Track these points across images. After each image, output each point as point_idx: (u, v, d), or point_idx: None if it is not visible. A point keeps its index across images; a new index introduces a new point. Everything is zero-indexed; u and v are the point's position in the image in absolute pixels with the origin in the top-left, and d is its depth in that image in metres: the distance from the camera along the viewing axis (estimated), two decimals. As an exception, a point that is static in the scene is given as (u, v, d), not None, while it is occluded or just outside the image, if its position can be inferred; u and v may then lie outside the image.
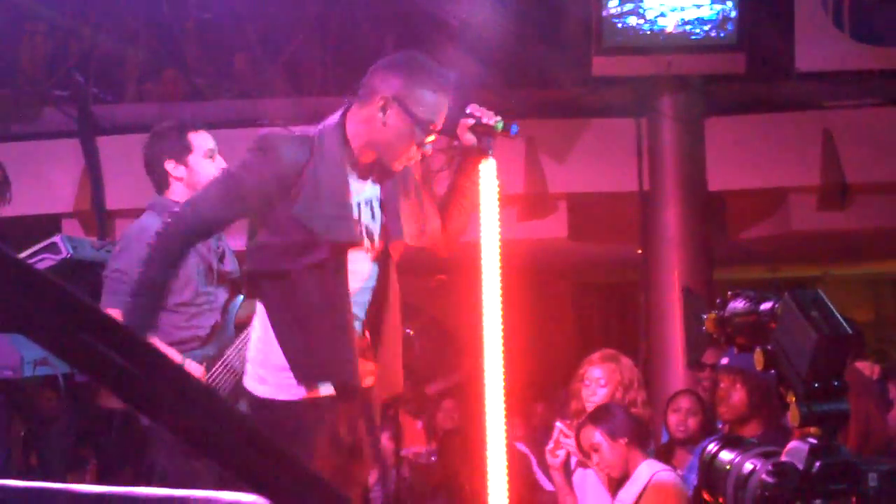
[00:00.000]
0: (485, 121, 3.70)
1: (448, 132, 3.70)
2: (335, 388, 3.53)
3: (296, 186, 3.50)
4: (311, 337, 3.50)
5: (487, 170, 3.78)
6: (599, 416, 5.19)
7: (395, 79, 3.58)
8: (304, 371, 3.51)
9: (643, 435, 5.26)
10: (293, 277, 3.52)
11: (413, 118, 3.54)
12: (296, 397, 3.52)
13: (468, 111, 3.72)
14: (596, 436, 5.08)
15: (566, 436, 5.27)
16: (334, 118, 3.64)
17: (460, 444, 6.75)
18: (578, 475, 5.61)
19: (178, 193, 4.86)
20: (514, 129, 3.74)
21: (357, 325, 3.59)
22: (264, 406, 3.56)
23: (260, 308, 3.62)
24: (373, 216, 3.64)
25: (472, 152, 3.76)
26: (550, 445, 5.34)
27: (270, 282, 3.57)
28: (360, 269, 3.61)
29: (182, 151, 4.83)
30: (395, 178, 3.69)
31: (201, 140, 4.83)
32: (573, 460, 5.62)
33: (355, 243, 3.57)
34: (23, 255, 5.02)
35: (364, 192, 3.65)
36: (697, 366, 7.07)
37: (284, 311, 3.54)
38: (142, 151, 5.03)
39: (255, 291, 3.65)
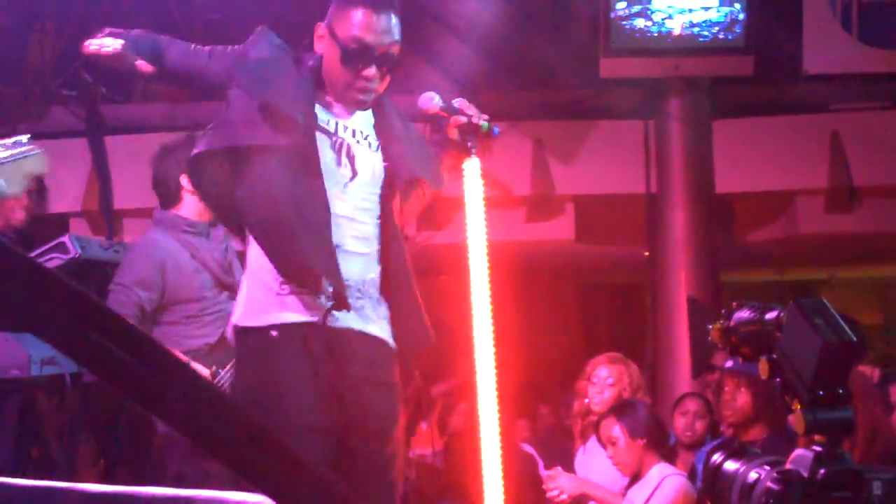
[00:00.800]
0: (473, 119, 3.63)
1: (436, 122, 3.67)
2: (320, 287, 3.37)
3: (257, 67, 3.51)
4: (288, 229, 3.36)
5: (471, 169, 3.70)
6: (624, 411, 5.21)
7: (330, 7, 3.54)
8: (286, 264, 3.36)
9: (662, 438, 5.29)
10: (263, 164, 3.39)
11: (335, 38, 3.46)
12: (271, 321, 3.37)
13: (457, 105, 3.65)
14: (615, 430, 5.11)
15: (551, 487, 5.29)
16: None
17: (467, 446, 6.75)
18: (587, 449, 5.63)
19: (187, 209, 4.87)
20: (496, 131, 3.70)
21: (360, 261, 3.44)
22: (242, 335, 3.43)
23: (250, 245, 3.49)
24: (358, 143, 3.52)
25: (455, 149, 3.68)
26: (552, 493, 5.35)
27: (246, 181, 3.43)
28: (349, 194, 3.47)
29: None
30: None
31: None
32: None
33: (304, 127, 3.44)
34: (32, 254, 5.02)
35: (351, 121, 3.54)
36: (707, 369, 7.07)
37: (260, 207, 3.39)
38: (151, 166, 5.04)
39: (234, 212, 3.50)
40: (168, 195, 4.94)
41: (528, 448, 6.62)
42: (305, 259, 3.35)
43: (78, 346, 1.09)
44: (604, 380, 5.67)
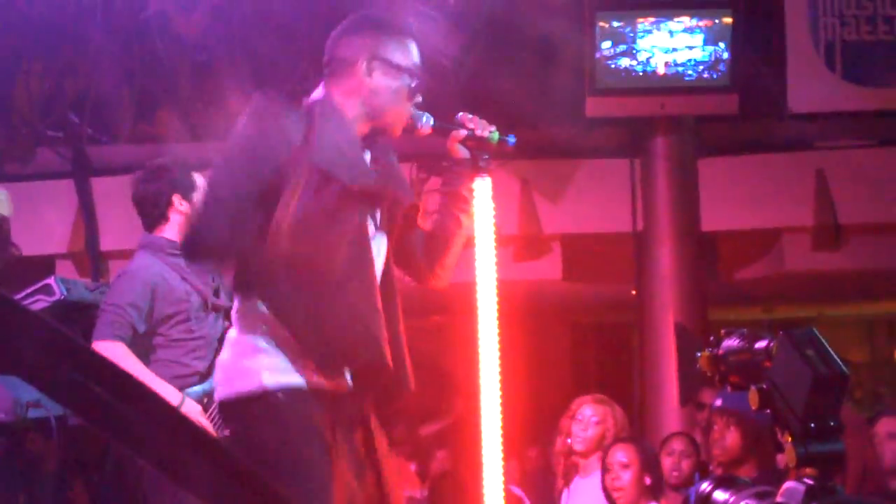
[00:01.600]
0: (478, 133, 3.47)
1: (441, 134, 3.47)
2: (359, 369, 3.20)
3: (304, 141, 3.18)
4: (336, 313, 3.13)
5: (482, 190, 3.49)
6: (643, 446, 5.26)
7: (366, 39, 3.36)
8: (326, 352, 3.14)
9: (662, 484, 5.34)
10: (313, 249, 3.13)
11: (399, 69, 3.35)
12: (277, 385, 3.14)
13: (458, 119, 3.49)
14: (629, 458, 5.13)
15: None
16: (317, 98, 3.36)
17: (452, 488, 6.73)
18: (571, 490, 5.63)
19: (172, 231, 4.86)
20: (511, 139, 3.52)
21: None
22: (244, 404, 3.16)
23: (244, 312, 3.24)
24: None
25: (464, 168, 3.50)
26: None
27: (280, 267, 3.13)
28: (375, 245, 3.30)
29: (189, 188, 4.85)
30: (388, 162, 3.43)
31: (202, 180, 4.83)
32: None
33: (380, 193, 3.30)
34: (17, 296, 5.01)
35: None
36: (695, 406, 7.06)
37: (300, 290, 3.12)
38: (137, 186, 4.99)
39: (260, 285, 3.19)
40: (154, 216, 4.92)
41: (517, 490, 6.59)
42: (349, 352, 3.18)
43: (63, 389, 1.08)
44: (588, 418, 5.67)
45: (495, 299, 3.42)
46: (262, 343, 3.17)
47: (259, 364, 3.15)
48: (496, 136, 3.49)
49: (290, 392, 3.13)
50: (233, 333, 3.30)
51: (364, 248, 3.23)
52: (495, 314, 3.40)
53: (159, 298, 4.74)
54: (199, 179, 4.83)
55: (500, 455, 3.37)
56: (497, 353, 3.39)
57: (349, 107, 3.32)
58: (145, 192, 4.94)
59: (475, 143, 3.48)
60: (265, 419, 3.12)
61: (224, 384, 3.25)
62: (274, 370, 3.14)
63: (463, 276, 3.57)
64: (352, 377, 3.23)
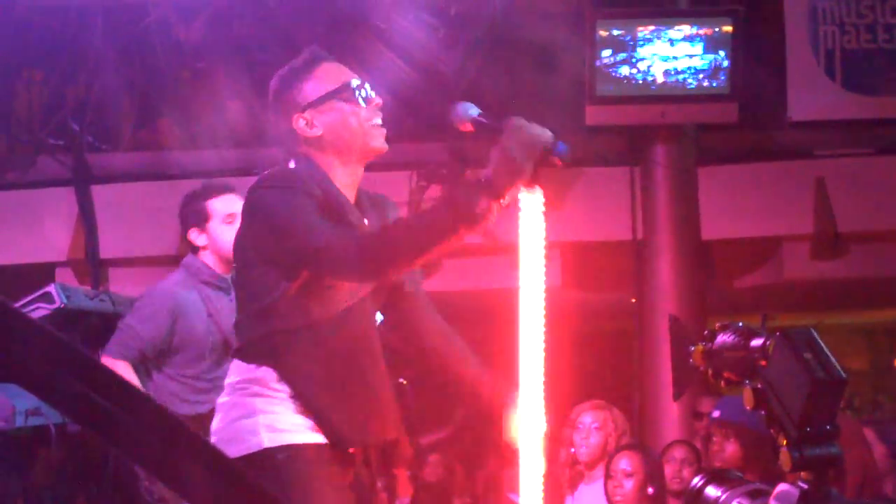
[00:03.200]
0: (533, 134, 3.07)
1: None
2: (365, 445, 3.20)
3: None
4: (346, 390, 3.13)
5: (531, 204, 3.11)
6: (648, 456, 5.26)
7: (283, 105, 3.28)
8: (339, 427, 3.12)
9: (663, 495, 5.34)
10: (320, 326, 3.12)
11: (328, 97, 3.22)
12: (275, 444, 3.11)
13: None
14: (634, 467, 5.13)
15: None
16: (298, 160, 3.26)
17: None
18: (576, 498, 5.64)
19: (207, 257, 4.86)
20: (561, 147, 3.12)
21: None
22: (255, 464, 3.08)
23: (242, 376, 3.18)
24: None
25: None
26: None
27: (292, 337, 3.12)
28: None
29: (201, 219, 4.84)
30: (383, 213, 3.33)
31: (220, 205, 4.81)
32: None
33: None
34: (17, 304, 5.01)
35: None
36: (693, 415, 7.05)
37: (310, 366, 3.12)
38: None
39: (263, 354, 3.15)
40: (190, 245, 4.93)
41: (516, 498, 6.59)
42: (360, 426, 3.17)
43: (62, 397, 1.08)
44: (589, 426, 5.68)
45: (542, 317, 3.25)
46: (259, 404, 3.13)
47: (257, 423, 3.12)
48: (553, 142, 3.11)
49: (291, 450, 3.10)
50: (224, 399, 3.24)
51: (367, 317, 3.24)
52: (542, 334, 3.25)
53: (179, 326, 4.75)
54: (219, 204, 4.82)
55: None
56: (541, 369, 3.27)
57: (324, 162, 3.23)
58: (180, 218, 4.96)
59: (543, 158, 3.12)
60: (265, 479, 3.06)
61: (222, 446, 3.12)
62: (273, 430, 3.10)
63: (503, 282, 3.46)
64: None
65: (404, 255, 3.00)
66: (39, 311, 5.07)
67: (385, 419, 3.22)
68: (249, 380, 3.16)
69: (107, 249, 8.47)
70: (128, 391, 1.12)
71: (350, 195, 3.26)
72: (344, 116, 3.22)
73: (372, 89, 3.28)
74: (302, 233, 3.03)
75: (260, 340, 3.16)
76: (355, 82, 3.26)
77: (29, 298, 5.16)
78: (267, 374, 3.13)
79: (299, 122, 3.24)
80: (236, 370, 3.22)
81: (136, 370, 4.73)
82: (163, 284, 4.93)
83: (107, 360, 4.67)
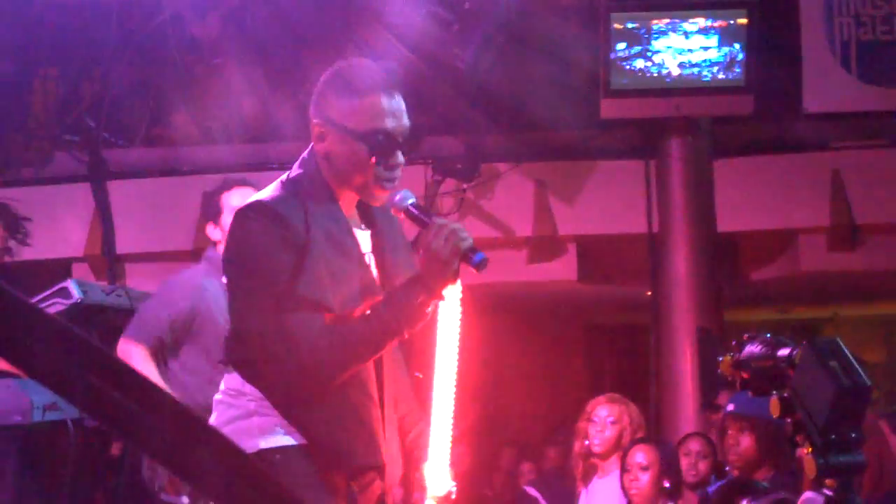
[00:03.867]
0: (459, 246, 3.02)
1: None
2: (355, 470, 3.16)
3: (302, 254, 3.04)
4: (334, 416, 3.10)
5: (450, 296, 3.11)
6: (664, 449, 5.28)
7: (319, 100, 3.17)
8: (329, 453, 3.11)
9: (680, 487, 5.35)
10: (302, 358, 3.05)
11: (351, 133, 3.09)
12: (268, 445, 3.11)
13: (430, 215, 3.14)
14: (649, 460, 5.14)
15: None
16: (308, 162, 3.21)
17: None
18: (590, 490, 5.65)
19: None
20: (479, 258, 3.04)
21: None
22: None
23: (239, 382, 3.18)
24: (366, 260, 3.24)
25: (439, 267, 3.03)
26: None
27: (273, 367, 3.08)
28: None
29: (216, 213, 4.90)
30: (392, 231, 3.29)
31: (234, 199, 4.85)
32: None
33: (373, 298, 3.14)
34: (34, 299, 5.03)
35: (365, 243, 3.26)
36: (711, 408, 7.05)
37: (290, 393, 3.10)
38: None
39: (253, 375, 3.14)
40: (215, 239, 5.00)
41: (533, 491, 6.60)
42: (349, 452, 3.13)
43: (78, 392, 1.09)
44: (604, 419, 5.68)
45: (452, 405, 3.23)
46: (254, 406, 3.13)
47: (253, 425, 3.12)
48: (470, 247, 3.02)
49: (287, 451, 3.10)
50: (219, 396, 3.25)
51: None
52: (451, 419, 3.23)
53: (198, 317, 4.79)
54: (232, 198, 4.86)
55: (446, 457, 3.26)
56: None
57: (326, 171, 3.17)
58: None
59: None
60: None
61: None
62: (268, 432, 3.10)
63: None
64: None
65: (348, 358, 3.04)
66: (56, 307, 5.10)
67: (375, 448, 3.17)
68: (244, 392, 3.16)
69: (123, 245, 8.49)
70: (143, 386, 1.13)
71: (351, 206, 3.24)
72: (352, 159, 3.12)
73: (403, 154, 3.14)
74: (259, 308, 3.04)
75: (245, 362, 3.16)
76: (389, 136, 3.10)
77: (46, 294, 5.18)
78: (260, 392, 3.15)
79: (314, 129, 3.17)
80: (231, 380, 3.21)
81: (155, 359, 4.78)
82: (185, 273, 5.00)
83: (125, 343, 4.72)
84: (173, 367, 4.86)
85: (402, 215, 3.16)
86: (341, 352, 3.04)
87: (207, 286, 4.84)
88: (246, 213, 3.10)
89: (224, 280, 3.31)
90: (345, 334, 3.04)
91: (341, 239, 3.15)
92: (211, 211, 4.93)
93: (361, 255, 3.21)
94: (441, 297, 3.05)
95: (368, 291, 3.16)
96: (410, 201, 3.14)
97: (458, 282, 3.07)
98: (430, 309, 3.05)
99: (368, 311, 3.07)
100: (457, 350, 3.18)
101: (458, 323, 3.15)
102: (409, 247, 3.41)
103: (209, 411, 4.33)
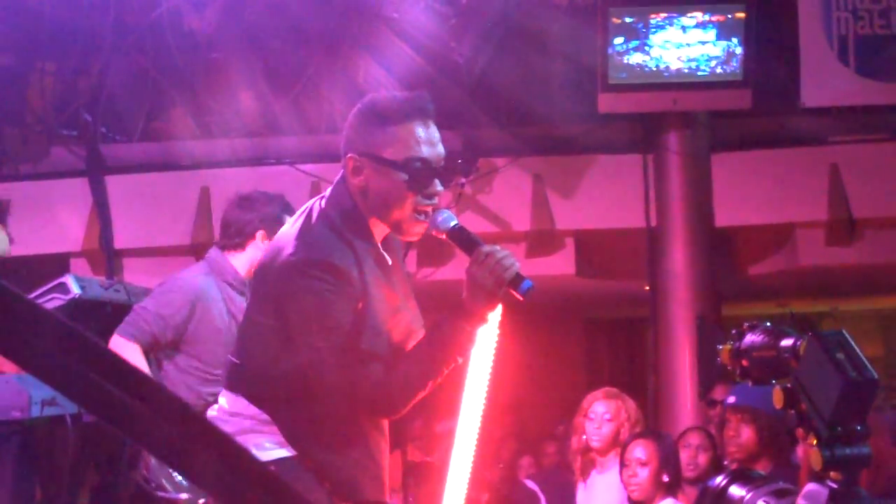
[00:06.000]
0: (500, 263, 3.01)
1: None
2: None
3: (361, 303, 3.03)
4: (344, 453, 3.13)
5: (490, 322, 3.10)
6: (663, 443, 5.27)
7: (352, 133, 3.11)
8: (335, 483, 3.12)
9: (679, 481, 5.35)
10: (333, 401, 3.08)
11: (390, 165, 3.04)
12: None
13: (473, 238, 3.10)
14: (648, 455, 5.14)
15: None
16: (341, 198, 3.14)
17: (422, 478, 6.69)
18: (588, 485, 5.65)
19: (241, 262, 4.84)
20: (527, 285, 3.03)
21: None
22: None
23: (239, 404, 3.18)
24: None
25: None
26: None
27: (296, 404, 3.11)
28: None
29: (276, 227, 4.81)
30: (398, 260, 3.28)
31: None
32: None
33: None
34: (32, 295, 5.03)
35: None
36: (708, 402, 7.05)
37: (310, 427, 3.12)
38: (231, 207, 4.95)
39: (264, 405, 3.14)
40: (234, 242, 4.87)
41: (532, 485, 6.60)
42: (355, 488, 3.15)
43: (76, 387, 1.09)
44: (601, 415, 5.69)
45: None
46: (249, 425, 3.13)
47: (249, 441, 3.11)
48: (516, 274, 3.03)
49: (284, 462, 3.10)
50: (212, 412, 3.25)
51: None
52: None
53: (197, 317, 4.76)
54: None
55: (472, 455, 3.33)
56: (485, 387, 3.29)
57: (361, 205, 3.11)
58: (235, 218, 4.88)
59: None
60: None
61: None
62: (262, 448, 3.10)
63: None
64: None
65: (412, 395, 3.05)
66: (54, 302, 5.09)
67: (381, 483, 3.20)
68: (247, 416, 3.16)
69: (121, 239, 8.49)
70: (141, 381, 1.13)
71: (379, 238, 3.19)
72: (392, 191, 3.07)
73: (442, 183, 3.12)
74: (325, 358, 3.02)
75: (264, 399, 3.14)
76: (427, 164, 3.08)
77: (44, 289, 5.18)
78: (266, 418, 3.15)
79: (349, 163, 3.10)
80: (231, 402, 3.21)
81: (147, 358, 4.75)
82: (186, 273, 4.95)
83: (117, 340, 4.70)
84: (167, 367, 4.84)
85: (444, 237, 3.11)
86: (400, 395, 3.06)
87: (207, 288, 4.81)
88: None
89: (241, 302, 3.27)
90: (403, 379, 3.05)
91: (387, 281, 3.15)
92: (273, 223, 4.74)
93: (405, 296, 3.23)
94: (486, 322, 3.05)
95: (413, 326, 3.21)
96: (454, 223, 3.11)
97: (499, 307, 3.08)
98: (477, 337, 3.07)
99: (418, 348, 3.09)
100: (489, 371, 3.22)
101: (494, 344, 3.17)
102: (408, 274, 3.43)
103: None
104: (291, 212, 4.79)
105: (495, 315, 3.12)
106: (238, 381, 3.21)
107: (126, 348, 4.66)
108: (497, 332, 3.19)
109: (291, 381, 3.08)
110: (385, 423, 3.23)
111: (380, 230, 3.15)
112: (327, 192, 3.19)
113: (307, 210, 3.17)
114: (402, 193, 3.05)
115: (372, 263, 3.10)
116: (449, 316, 3.04)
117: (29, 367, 1.11)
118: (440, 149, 3.11)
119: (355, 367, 3.01)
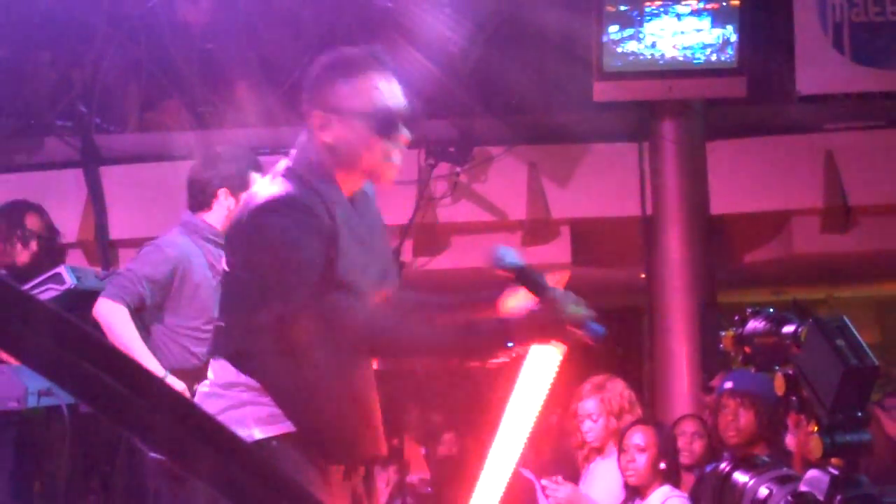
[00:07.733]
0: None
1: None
2: (356, 461, 3.20)
3: (332, 242, 3.05)
4: (339, 411, 3.11)
5: (544, 357, 3.10)
6: (662, 431, 5.31)
7: (316, 91, 3.19)
8: (328, 445, 3.12)
9: (677, 469, 5.38)
10: (314, 348, 3.08)
11: (357, 116, 3.12)
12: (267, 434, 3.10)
13: (541, 281, 3.10)
14: (647, 442, 5.17)
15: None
16: (306, 154, 3.19)
17: (455, 473, 6.72)
18: (596, 464, 5.67)
19: (213, 218, 4.94)
20: (598, 330, 3.07)
21: None
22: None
23: (229, 371, 3.16)
24: None
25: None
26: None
27: (284, 358, 3.10)
28: None
29: (240, 185, 4.89)
30: (370, 213, 3.29)
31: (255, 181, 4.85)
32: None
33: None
34: (28, 285, 5.03)
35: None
36: (706, 389, 7.07)
37: (298, 386, 3.10)
38: (194, 168, 5.08)
39: (253, 369, 3.12)
40: (199, 201, 5.00)
41: (528, 473, 6.60)
42: (352, 443, 3.17)
43: (71, 377, 1.09)
44: (588, 416, 5.72)
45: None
46: (247, 397, 3.11)
47: (246, 415, 3.09)
48: (590, 322, 3.04)
49: (284, 438, 3.09)
50: (205, 389, 3.23)
51: None
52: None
53: (178, 277, 4.84)
54: (257, 178, 4.85)
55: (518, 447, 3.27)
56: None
57: (327, 160, 3.16)
58: (196, 177, 5.04)
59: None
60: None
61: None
62: (264, 421, 3.09)
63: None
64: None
65: (407, 351, 3.14)
66: (50, 293, 5.10)
67: (377, 437, 3.22)
68: (238, 383, 3.14)
69: (116, 230, 8.48)
70: (137, 372, 1.13)
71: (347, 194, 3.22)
72: (361, 140, 3.14)
73: (407, 127, 3.20)
74: (300, 294, 3.02)
75: (249, 355, 3.13)
76: (392, 112, 3.15)
77: (39, 280, 5.18)
78: (256, 384, 3.13)
79: (315, 120, 3.17)
80: (221, 372, 3.18)
81: (134, 321, 4.80)
82: (166, 236, 5.03)
83: (106, 302, 4.75)
84: (158, 329, 4.90)
85: (508, 274, 3.11)
86: (395, 342, 3.08)
87: (186, 246, 4.91)
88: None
89: (224, 265, 3.29)
90: (409, 332, 3.07)
91: (357, 226, 3.17)
92: (234, 180, 4.86)
93: (375, 242, 3.24)
94: (520, 346, 3.05)
95: (386, 276, 3.22)
96: (520, 263, 3.13)
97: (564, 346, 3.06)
98: (500, 356, 3.09)
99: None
100: (539, 405, 3.17)
101: (550, 382, 3.14)
102: (385, 227, 3.44)
103: (191, 374, 4.39)
104: (259, 167, 4.87)
105: (558, 352, 3.11)
106: (224, 344, 3.19)
107: (114, 310, 4.73)
108: (556, 369, 3.15)
109: (273, 332, 3.06)
110: (372, 376, 3.21)
111: (347, 186, 3.19)
112: (292, 152, 3.23)
113: (274, 171, 3.22)
114: (371, 141, 3.13)
115: (342, 212, 3.12)
116: (494, 323, 3.07)
117: (24, 358, 1.12)
118: (402, 99, 3.20)
119: (338, 302, 3.00)
